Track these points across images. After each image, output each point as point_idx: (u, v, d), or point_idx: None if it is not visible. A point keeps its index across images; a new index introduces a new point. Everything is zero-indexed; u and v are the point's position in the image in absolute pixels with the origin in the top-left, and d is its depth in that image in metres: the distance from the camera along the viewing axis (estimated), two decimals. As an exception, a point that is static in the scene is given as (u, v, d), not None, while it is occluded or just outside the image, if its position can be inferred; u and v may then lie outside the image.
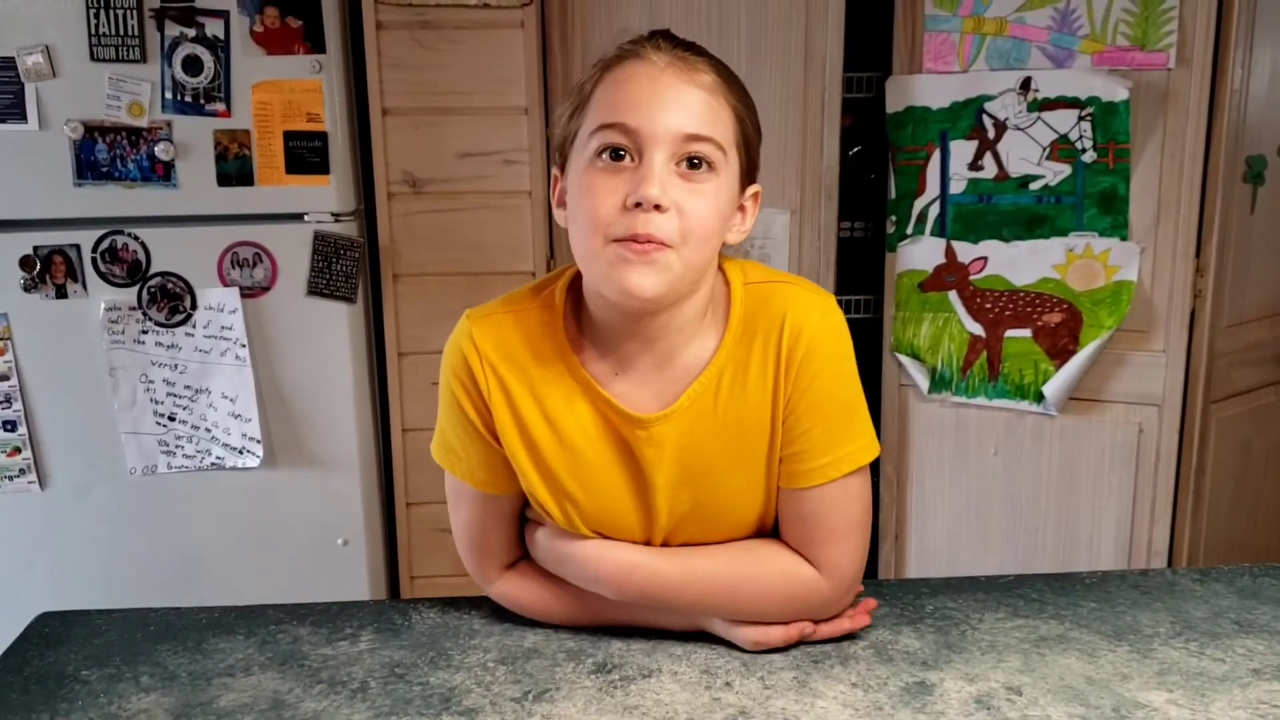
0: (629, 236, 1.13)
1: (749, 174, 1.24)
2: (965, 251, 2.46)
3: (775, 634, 1.24)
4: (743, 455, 1.26)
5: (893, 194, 2.55)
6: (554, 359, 1.25)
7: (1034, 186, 2.38)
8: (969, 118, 2.42)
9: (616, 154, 1.15)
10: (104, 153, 2.27)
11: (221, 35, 2.26)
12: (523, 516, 1.35)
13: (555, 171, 1.26)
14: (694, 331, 1.24)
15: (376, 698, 1.16)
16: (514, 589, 1.34)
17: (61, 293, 2.31)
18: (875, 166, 2.71)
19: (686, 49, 1.20)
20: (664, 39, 1.21)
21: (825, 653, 1.24)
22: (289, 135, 2.31)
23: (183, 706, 1.15)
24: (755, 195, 1.26)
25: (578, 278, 1.27)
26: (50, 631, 1.33)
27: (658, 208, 1.12)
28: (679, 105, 1.15)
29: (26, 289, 2.30)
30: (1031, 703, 1.13)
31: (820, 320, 1.24)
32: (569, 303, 1.27)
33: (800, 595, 1.25)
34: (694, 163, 1.15)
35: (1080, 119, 2.32)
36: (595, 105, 1.19)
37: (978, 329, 2.46)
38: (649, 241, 1.12)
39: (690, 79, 1.17)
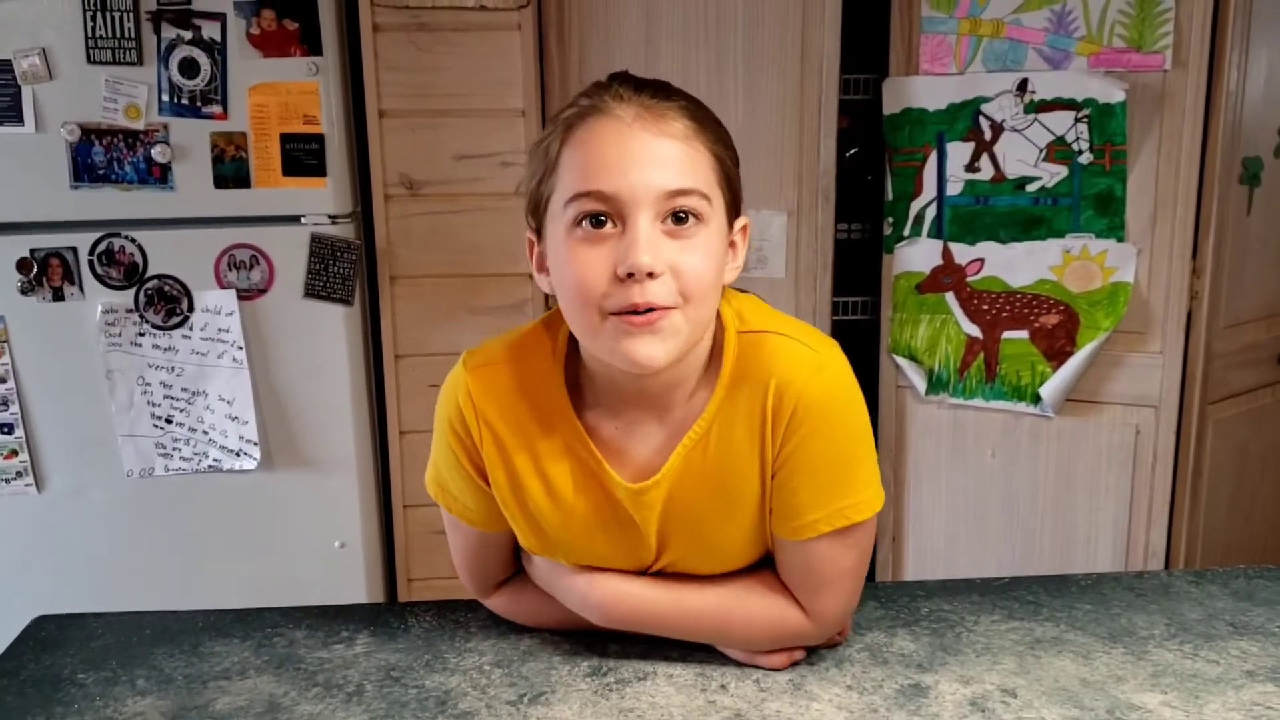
0: (628, 309, 1.07)
1: (734, 209, 1.18)
2: (962, 253, 2.46)
3: (766, 661, 1.23)
4: (734, 507, 1.21)
5: (890, 195, 2.55)
6: (551, 414, 1.21)
7: (1031, 188, 2.39)
8: (966, 119, 2.42)
9: (597, 221, 1.09)
10: (100, 155, 2.27)
11: (218, 38, 2.26)
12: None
13: (530, 236, 1.20)
14: (694, 385, 1.20)
15: (372, 701, 1.17)
16: (508, 602, 1.34)
17: (58, 295, 2.31)
18: (872, 168, 2.71)
19: (653, 94, 1.13)
20: (625, 85, 1.13)
21: (820, 655, 1.25)
22: (286, 137, 2.31)
23: (178, 709, 1.16)
24: (744, 229, 1.20)
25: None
26: (46, 635, 1.33)
27: (651, 275, 1.07)
28: (655, 162, 1.09)
29: (23, 292, 2.30)
30: (1026, 705, 1.14)
31: (811, 377, 1.16)
32: (570, 353, 1.23)
33: (787, 636, 1.23)
34: (680, 217, 1.09)
35: (1077, 120, 2.32)
36: (565, 170, 1.12)
37: (975, 330, 2.46)
38: (650, 310, 1.07)
39: (661, 130, 1.10)
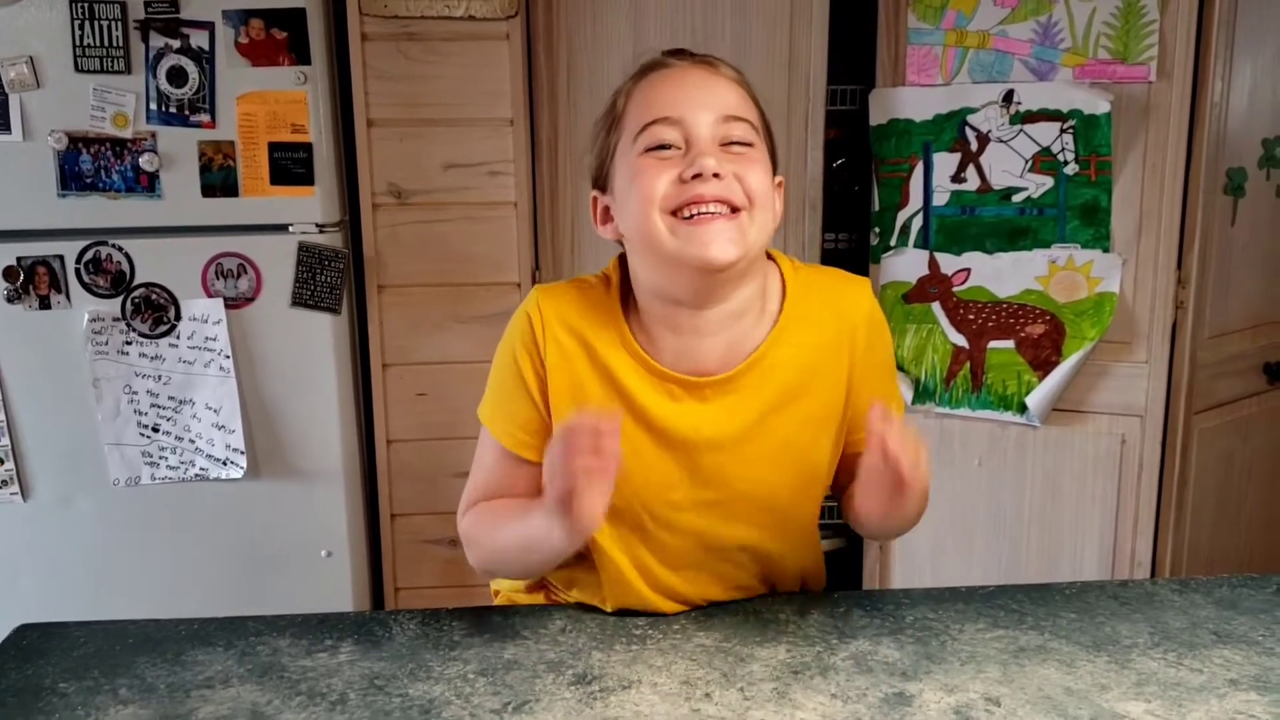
0: (693, 200, 1.19)
1: (774, 162, 1.30)
2: (948, 263, 2.47)
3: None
4: (799, 426, 1.31)
5: (876, 206, 2.56)
6: (613, 332, 1.31)
7: (1016, 198, 2.40)
8: (952, 130, 2.43)
9: (663, 148, 1.22)
10: (88, 163, 2.27)
11: (206, 46, 2.26)
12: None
13: (594, 193, 1.32)
14: (753, 313, 1.30)
15: (356, 709, 1.16)
16: (477, 517, 1.37)
17: (45, 304, 2.31)
18: (859, 178, 2.72)
19: (704, 56, 1.30)
20: (682, 51, 1.30)
21: (805, 664, 1.24)
22: (274, 146, 2.31)
23: (161, 718, 1.15)
24: (780, 184, 1.31)
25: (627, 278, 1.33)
26: (28, 644, 1.33)
27: (716, 176, 1.19)
28: (712, 94, 1.24)
29: (10, 300, 2.29)
30: (1010, 713, 1.14)
31: (871, 297, 1.37)
32: (626, 299, 1.33)
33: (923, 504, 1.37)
34: (735, 144, 1.23)
35: (1062, 131, 2.33)
36: (632, 112, 1.26)
37: (961, 340, 2.47)
38: (716, 201, 1.19)
39: (716, 73, 1.27)
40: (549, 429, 1.31)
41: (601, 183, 1.32)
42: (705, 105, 1.23)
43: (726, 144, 1.22)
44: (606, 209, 1.31)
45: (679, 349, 1.29)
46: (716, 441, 1.30)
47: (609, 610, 1.38)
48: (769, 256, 1.35)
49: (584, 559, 1.39)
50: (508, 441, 1.34)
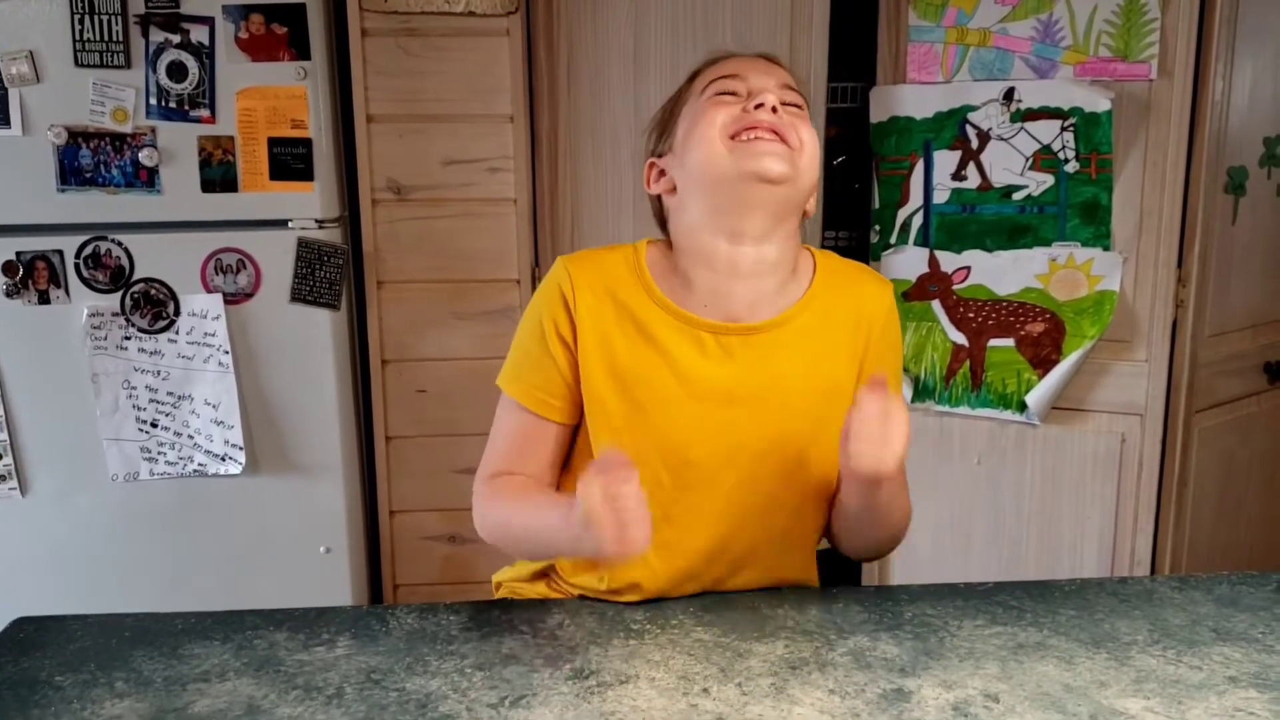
0: (752, 124, 1.28)
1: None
2: (948, 261, 2.47)
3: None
4: (815, 397, 1.37)
5: (876, 203, 2.56)
6: (639, 288, 1.37)
7: (1017, 196, 2.39)
8: (952, 128, 2.43)
9: (729, 94, 1.33)
10: (88, 158, 2.27)
11: (206, 41, 2.26)
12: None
13: (649, 160, 1.42)
14: (782, 272, 1.36)
15: (352, 703, 1.16)
16: (495, 491, 1.39)
17: (44, 299, 2.31)
18: (859, 176, 2.72)
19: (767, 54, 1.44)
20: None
21: (803, 659, 1.24)
22: (273, 141, 2.31)
23: (157, 712, 1.15)
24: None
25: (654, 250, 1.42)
26: (25, 637, 1.32)
27: (775, 110, 1.29)
28: (773, 72, 1.37)
29: (9, 294, 2.29)
30: (1009, 710, 1.13)
31: (889, 291, 1.45)
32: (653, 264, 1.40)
33: (905, 519, 1.48)
34: (791, 105, 1.34)
35: (1063, 129, 2.33)
36: (699, 82, 1.38)
37: (961, 338, 2.47)
38: (771, 130, 1.28)
39: (778, 63, 1.40)
40: (573, 392, 1.37)
41: (661, 150, 1.41)
42: (768, 74, 1.36)
43: (784, 104, 1.32)
44: (662, 171, 1.41)
45: (712, 288, 1.35)
46: (738, 394, 1.35)
47: (607, 586, 1.39)
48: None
49: None
50: (529, 401, 1.38)
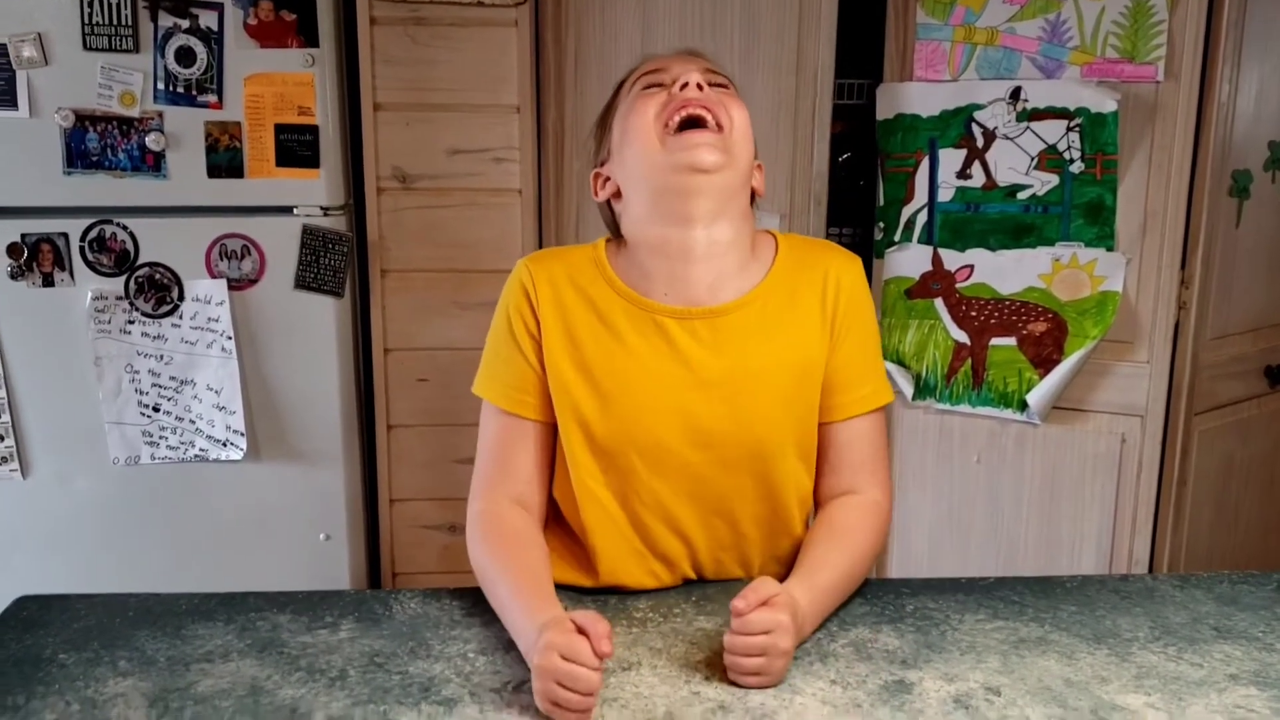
0: (680, 105, 1.32)
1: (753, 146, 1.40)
2: (952, 259, 2.47)
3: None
4: (786, 376, 1.37)
5: (881, 201, 2.56)
6: (600, 279, 1.39)
7: (1021, 196, 2.40)
8: (958, 126, 2.43)
9: (655, 86, 1.37)
10: (94, 142, 2.27)
11: (215, 27, 2.26)
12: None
13: (594, 170, 1.44)
14: (739, 253, 1.37)
15: (355, 686, 1.16)
16: (483, 525, 1.36)
17: (49, 281, 2.31)
18: (865, 173, 2.72)
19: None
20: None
21: (805, 650, 1.25)
22: (280, 128, 2.30)
23: (160, 691, 1.15)
24: (759, 166, 1.43)
25: (613, 245, 1.44)
26: (29, 615, 1.33)
27: (700, 88, 1.32)
28: (694, 60, 1.40)
29: (13, 276, 2.29)
30: (1010, 703, 1.14)
31: (857, 267, 1.44)
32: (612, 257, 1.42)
33: (882, 523, 1.41)
34: (717, 85, 1.38)
35: (1069, 130, 2.33)
36: (626, 87, 1.42)
37: (963, 336, 2.47)
38: (700, 107, 1.31)
39: (703, 55, 1.44)
40: (543, 386, 1.38)
41: (602, 158, 1.44)
42: (690, 61, 1.40)
43: (709, 84, 1.36)
44: (606, 179, 1.43)
45: (669, 275, 1.36)
46: (706, 378, 1.35)
47: (595, 585, 1.40)
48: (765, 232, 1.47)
49: (574, 538, 1.40)
50: (506, 403, 1.39)
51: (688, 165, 1.31)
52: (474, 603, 1.35)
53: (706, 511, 1.39)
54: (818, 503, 1.44)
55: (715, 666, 1.20)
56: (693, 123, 1.32)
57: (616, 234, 1.45)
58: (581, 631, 1.10)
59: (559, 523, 1.45)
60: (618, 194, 1.41)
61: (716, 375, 1.35)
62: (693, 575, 1.43)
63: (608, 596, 1.39)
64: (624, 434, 1.35)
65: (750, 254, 1.40)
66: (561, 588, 1.35)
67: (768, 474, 1.39)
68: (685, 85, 1.33)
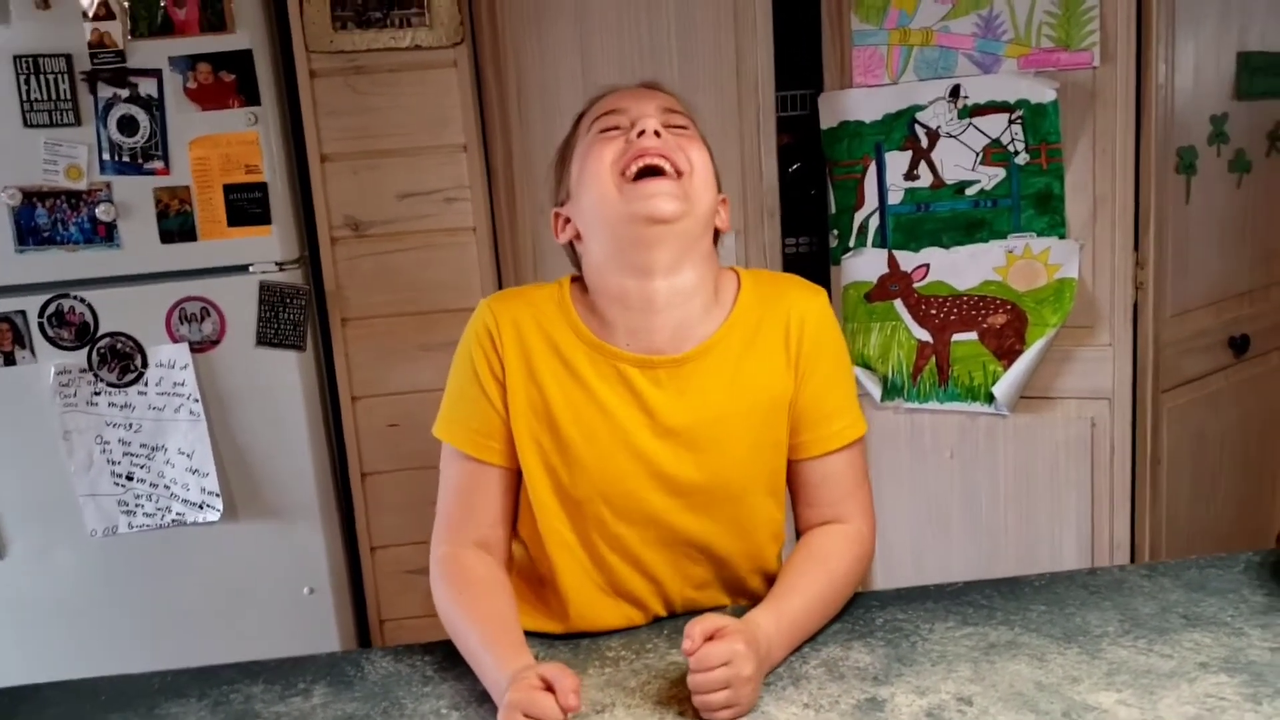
0: (638, 153, 1.29)
1: (716, 177, 1.39)
2: (907, 260, 2.48)
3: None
4: (752, 418, 1.35)
5: (833, 208, 2.57)
6: (564, 324, 1.37)
7: (970, 192, 2.41)
8: (902, 129, 2.44)
9: (613, 129, 1.35)
10: (44, 217, 2.27)
11: (155, 94, 2.26)
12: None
13: (554, 210, 1.42)
14: (702, 299, 1.35)
15: (331, 753, 1.16)
16: (446, 569, 1.35)
17: (9, 360, 2.30)
18: (814, 182, 2.73)
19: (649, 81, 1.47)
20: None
21: (777, 674, 1.25)
22: (229, 188, 2.31)
23: (136, 776, 1.15)
24: (724, 200, 1.42)
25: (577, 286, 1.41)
26: None
27: (657, 134, 1.30)
28: (652, 95, 1.39)
29: (-27, 359, 2.29)
30: (982, 712, 1.14)
31: (822, 301, 1.42)
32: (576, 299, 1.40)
33: (865, 553, 1.40)
34: (675, 126, 1.36)
35: (1011, 122, 2.35)
36: (586, 121, 1.40)
37: (925, 335, 2.48)
38: (658, 155, 1.29)
39: (659, 88, 1.43)
40: (508, 431, 1.36)
41: (561, 198, 1.41)
42: (649, 100, 1.38)
43: (668, 126, 1.34)
44: (567, 220, 1.40)
45: (631, 326, 1.34)
46: (670, 426, 1.33)
47: (563, 631, 1.39)
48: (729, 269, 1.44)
49: (542, 582, 1.40)
50: (470, 448, 1.37)
51: (645, 216, 1.28)
52: (444, 656, 1.35)
53: (676, 554, 1.39)
54: (799, 534, 1.43)
55: (689, 701, 1.20)
56: (651, 170, 1.30)
57: (580, 271, 1.43)
58: (549, 687, 1.10)
59: (525, 565, 1.45)
60: (579, 236, 1.39)
61: (681, 423, 1.34)
62: (664, 614, 1.43)
63: (579, 639, 1.39)
64: (589, 483, 1.34)
65: (713, 297, 1.37)
66: (533, 635, 1.35)
67: (738, 515, 1.38)
68: (643, 133, 1.31)
